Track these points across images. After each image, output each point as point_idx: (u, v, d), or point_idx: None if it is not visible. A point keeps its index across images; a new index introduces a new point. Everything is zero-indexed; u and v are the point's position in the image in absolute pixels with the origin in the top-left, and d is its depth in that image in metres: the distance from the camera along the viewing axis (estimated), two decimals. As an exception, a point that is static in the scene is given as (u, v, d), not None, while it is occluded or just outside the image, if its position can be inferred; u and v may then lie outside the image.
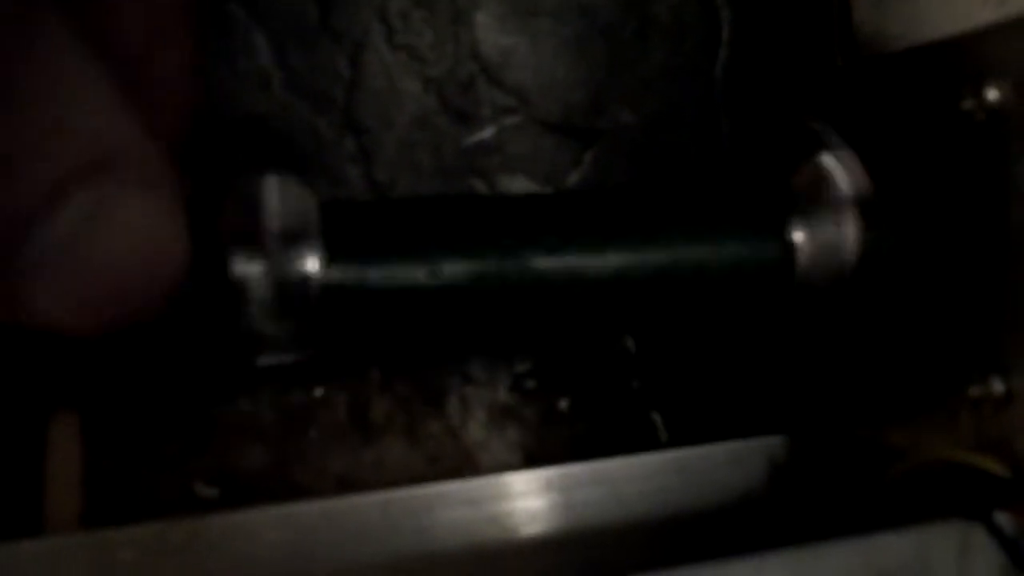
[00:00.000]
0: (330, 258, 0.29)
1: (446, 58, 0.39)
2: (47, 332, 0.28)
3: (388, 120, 0.39)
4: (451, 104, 0.39)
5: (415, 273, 0.30)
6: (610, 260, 0.33)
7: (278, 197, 0.30)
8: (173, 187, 0.19)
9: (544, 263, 0.32)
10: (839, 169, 0.37)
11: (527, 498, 0.40)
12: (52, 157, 0.17)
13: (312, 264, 0.29)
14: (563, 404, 0.42)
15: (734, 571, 0.31)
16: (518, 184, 0.40)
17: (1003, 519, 0.33)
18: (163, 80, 0.22)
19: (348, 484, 0.39)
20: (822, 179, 0.36)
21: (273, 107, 0.38)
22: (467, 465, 0.40)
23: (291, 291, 0.28)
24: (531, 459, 0.41)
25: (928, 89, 0.37)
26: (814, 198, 0.36)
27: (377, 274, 0.29)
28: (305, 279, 0.28)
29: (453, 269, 0.31)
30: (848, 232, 0.36)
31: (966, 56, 0.34)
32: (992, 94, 0.33)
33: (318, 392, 0.39)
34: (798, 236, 0.34)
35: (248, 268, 0.28)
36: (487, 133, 0.40)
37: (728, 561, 0.31)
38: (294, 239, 0.28)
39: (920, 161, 0.37)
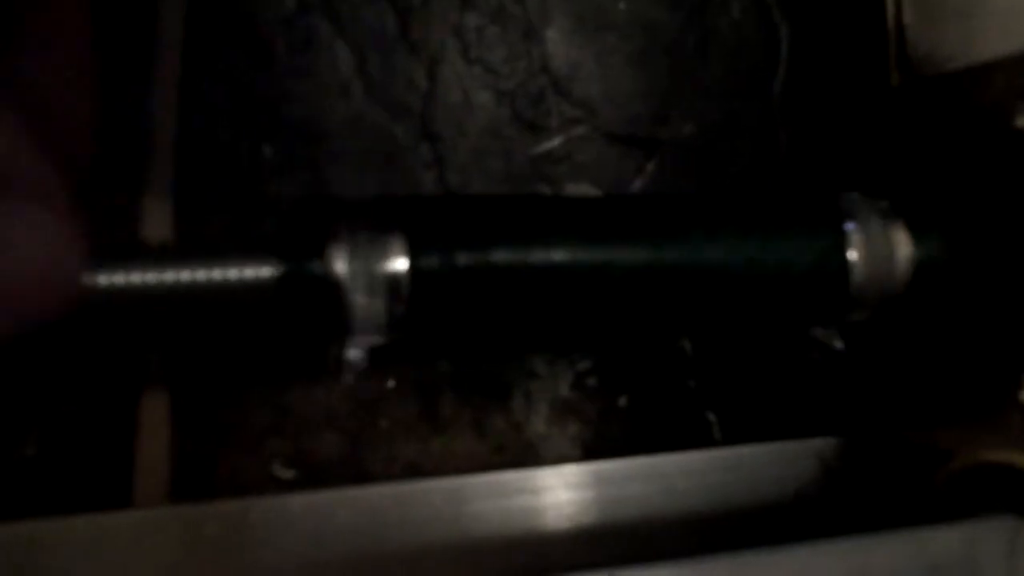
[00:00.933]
0: (414, 250, 0.31)
1: (518, 72, 0.41)
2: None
3: (462, 129, 0.41)
4: (521, 115, 0.42)
5: (497, 257, 0.32)
6: (670, 255, 0.34)
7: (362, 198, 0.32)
8: (67, 205, 0.20)
9: (615, 255, 0.34)
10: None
11: (585, 489, 0.42)
12: None
13: (399, 254, 0.31)
14: (622, 401, 0.43)
15: (788, 558, 0.32)
16: (583, 191, 0.42)
17: (1050, 518, 0.34)
18: (65, 114, 0.23)
19: (416, 472, 0.41)
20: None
21: (354, 115, 0.40)
22: (530, 456, 0.42)
23: (382, 281, 0.30)
24: (590, 453, 0.43)
25: (982, 108, 0.38)
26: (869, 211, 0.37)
27: (461, 261, 0.31)
28: (394, 270, 0.31)
29: (531, 255, 0.33)
30: (900, 245, 0.37)
31: (1018, 75, 0.36)
32: (1044, 110, 0.34)
33: (391, 384, 0.41)
34: (852, 253, 0.36)
35: (341, 262, 0.30)
36: (555, 142, 0.42)
37: (783, 548, 0.32)
38: (383, 231, 0.31)
39: (972, 177, 0.38)
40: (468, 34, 0.41)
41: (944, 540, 0.34)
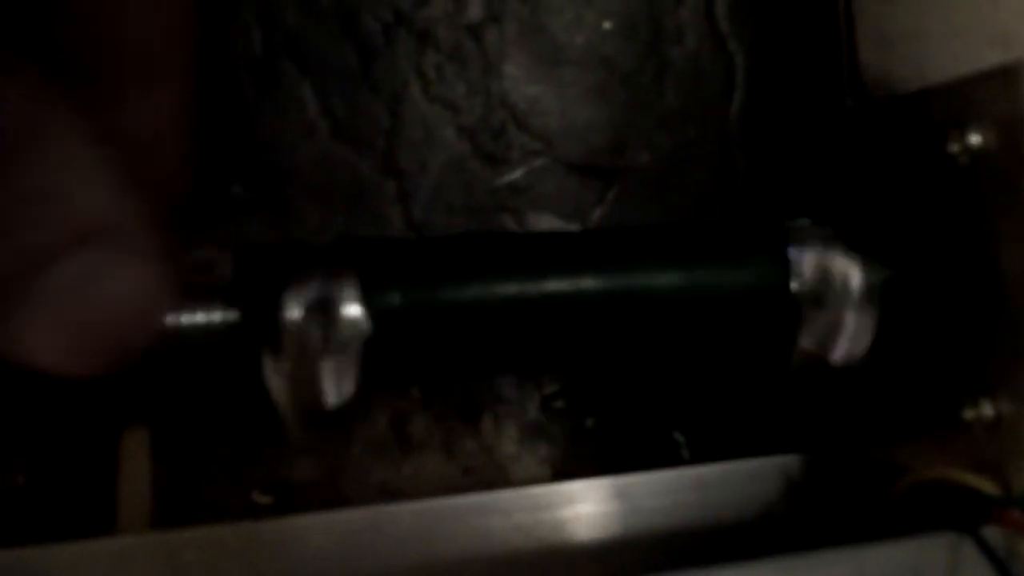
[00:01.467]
0: (367, 291, 0.33)
1: (477, 107, 0.43)
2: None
3: (424, 164, 0.43)
4: (482, 148, 0.43)
5: (449, 295, 0.33)
6: (622, 284, 0.36)
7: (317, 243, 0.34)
8: (160, 259, 0.21)
9: (559, 286, 0.36)
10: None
11: (554, 510, 0.43)
12: (48, 222, 0.20)
13: (352, 299, 0.32)
14: (590, 422, 0.45)
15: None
16: (545, 221, 0.43)
17: (992, 533, 0.35)
18: (160, 166, 0.24)
19: (389, 494, 0.43)
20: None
21: (320, 153, 0.42)
22: (500, 478, 0.44)
23: (337, 326, 0.32)
24: (559, 473, 0.44)
25: (921, 132, 0.40)
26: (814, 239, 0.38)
27: (416, 300, 0.33)
28: (348, 314, 0.32)
29: (481, 291, 0.34)
30: (853, 277, 0.38)
31: (953, 101, 0.37)
32: (975, 139, 0.35)
33: (361, 409, 0.42)
34: (794, 285, 0.37)
35: (295, 309, 0.32)
36: (516, 174, 0.43)
37: (723, 567, 0.34)
38: (334, 276, 0.32)
39: (915, 201, 0.39)
40: (429, 72, 0.43)
41: (887, 557, 0.35)
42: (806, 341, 0.38)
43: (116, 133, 0.22)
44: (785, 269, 0.37)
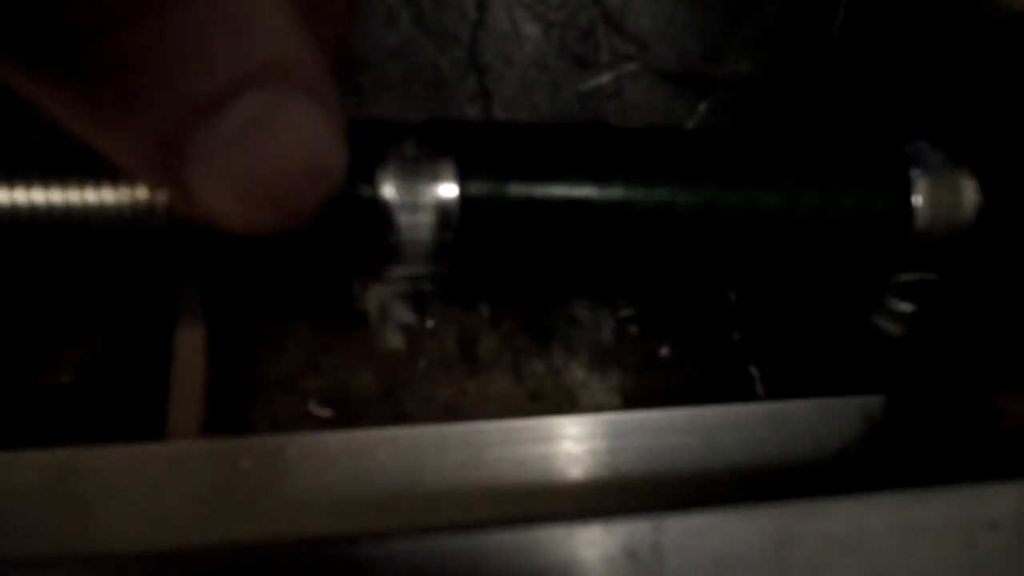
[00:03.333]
0: (464, 175, 0.30)
1: (568, 4, 0.40)
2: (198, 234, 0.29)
3: (509, 61, 0.40)
4: (571, 49, 0.40)
5: (548, 190, 0.31)
6: (728, 199, 0.33)
7: (411, 123, 0.31)
8: (338, 100, 0.20)
9: (667, 194, 0.33)
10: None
11: (623, 438, 0.41)
12: (231, 56, 0.18)
13: (448, 181, 0.30)
14: (664, 351, 0.42)
15: (840, 508, 0.31)
16: (633, 130, 0.41)
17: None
18: (330, 5, 0.23)
19: (453, 414, 0.40)
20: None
21: (400, 43, 0.39)
22: (568, 404, 0.41)
23: (431, 207, 0.29)
24: (630, 402, 0.42)
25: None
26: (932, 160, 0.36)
27: (512, 190, 0.30)
28: (444, 196, 0.29)
29: (583, 190, 0.32)
30: (967, 193, 0.36)
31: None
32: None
33: (429, 324, 0.40)
34: (917, 199, 0.34)
35: (389, 187, 0.29)
36: (604, 79, 0.41)
37: (834, 499, 0.31)
38: (433, 157, 0.30)
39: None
40: (519, -37, 0.40)
41: (1001, 497, 0.33)
42: (919, 263, 0.36)
43: None
44: (907, 188, 0.34)
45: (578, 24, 0.40)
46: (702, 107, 0.41)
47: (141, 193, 0.28)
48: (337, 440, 0.37)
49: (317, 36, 0.19)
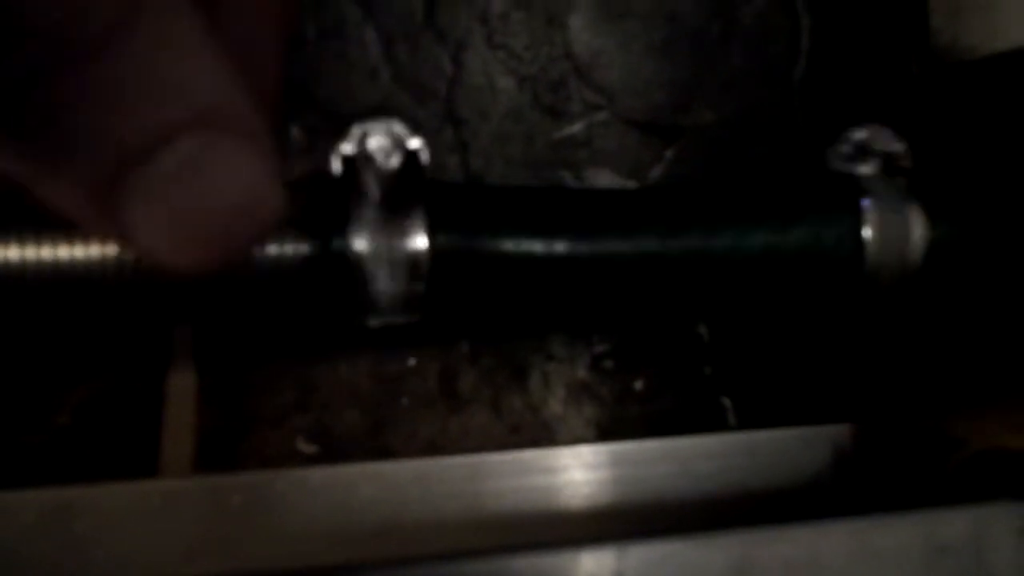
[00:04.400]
0: (435, 229, 0.32)
1: (540, 58, 0.42)
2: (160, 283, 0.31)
3: (485, 113, 0.42)
4: (543, 100, 0.42)
5: (515, 244, 0.33)
6: (684, 243, 0.35)
7: (384, 178, 0.33)
8: (270, 146, 0.20)
9: (623, 246, 0.35)
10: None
11: (601, 469, 0.43)
12: (165, 102, 0.19)
13: (420, 234, 0.32)
14: (638, 385, 0.44)
15: (796, 535, 0.33)
16: (604, 176, 0.43)
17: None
18: (263, 55, 0.24)
19: (435, 449, 0.42)
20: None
21: (380, 98, 0.41)
22: (545, 437, 0.43)
23: (403, 259, 0.31)
24: (605, 435, 0.44)
25: (1002, 96, 0.39)
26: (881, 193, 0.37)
27: (481, 243, 0.32)
28: (415, 248, 0.31)
29: (544, 245, 0.34)
30: (916, 231, 0.37)
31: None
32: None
33: (411, 362, 0.42)
34: (867, 231, 0.36)
35: (362, 240, 0.31)
36: (576, 128, 0.43)
37: (791, 526, 0.33)
38: (404, 211, 0.32)
39: (988, 162, 0.39)
40: (493, 20, 0.42)
41: (952, 522, 0.34)
42: (871, 295, 0.38)
43: (221, 28, 0.22)
44: (857, 220, 0.36)
45: (550, 77, 0.42)
46: (669, 154, 0.43)
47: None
48: (323, 476, 0.39)
49: (251, 83, 0.20)
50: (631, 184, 0.43)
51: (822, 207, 0.36)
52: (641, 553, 0.31)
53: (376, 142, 0.34)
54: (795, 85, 0.45)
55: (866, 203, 0.36)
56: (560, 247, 0.35)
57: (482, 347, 0.43)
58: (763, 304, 0.40)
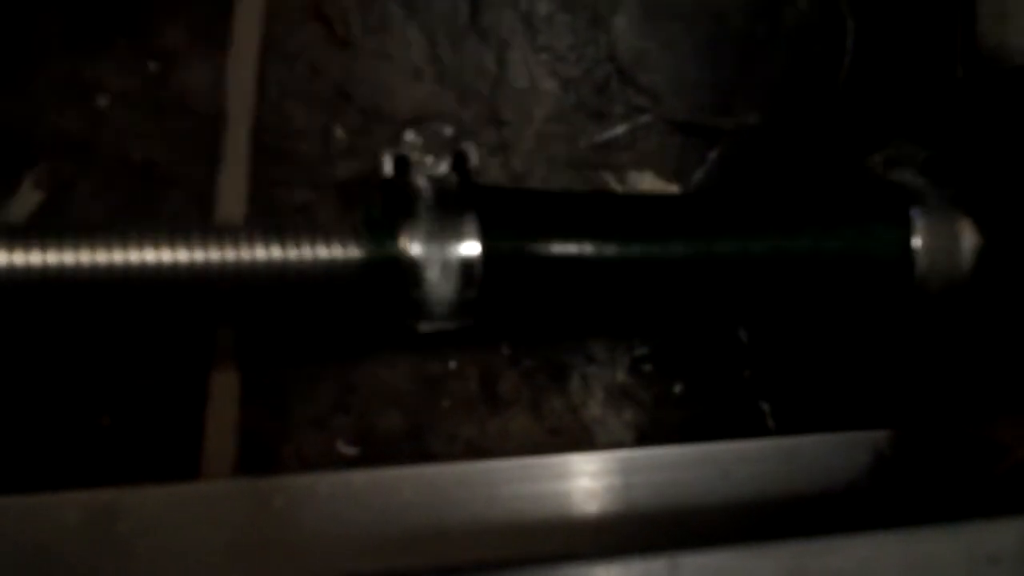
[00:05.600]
0: (488, 234, 0.32)
1: (584, 60, 0.42)
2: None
3: (528, 115, 0.42)
4: (586, 102, 0.42)
5: (566, 248, 0.33)
6: (733, 246, 0.35)
7: (435, 181, 0.33)
8: None
9: (672, 249, 0.35)
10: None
11: (640, 474, 0.42)
12: None
13: (472, 239, 0.32)
14: (678, 388, 0.44)
15: (848, 547, 0.33)
16: (647, 179, 0.42)
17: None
18: None
19: (475, 451, 0.42)
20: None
21: (424, 98, 0.41)
22: (585, 440, 0.43)
23: (456, 264, 0.31)
24: (644, 438, 0.44)
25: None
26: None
27: (533, 248, 0.32)
28: (468, 254, 0.31)
29: (594, 248, 0.34)
30: (965, 240, 0.37)
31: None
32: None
33: (452, 364, 0.42)
34: (916, 240, 0.36)
35: (416, 245, 0.31)
36: (619, 130, 0.42)
37: (842, 537, 0.33)
38: (456, 216, 0.31)
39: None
40: (537, 21, 0.41)
41: (1002, 532, 0.34)
42: (920, 303, 0.37)
43: None
44: (906, 228, 0.36)
45: (594, 79, 0.42)
46: (712, 156, 0.43)
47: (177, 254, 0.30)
48: (364, 479, 0.39)
49: None
50: (674, 187, 0.43)
51: (872, 215, 0.36)
52: (695, 563, 0.31)
53: (425, 145, 0.34)
54: (840, 87, 0.44)
55: (915, 212, 0.36)
56: (610, 250, 0.34)
57: (523, 349, 0.42)
58: (810, 309, 0.39)
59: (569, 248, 0.33)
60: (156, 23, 0.38)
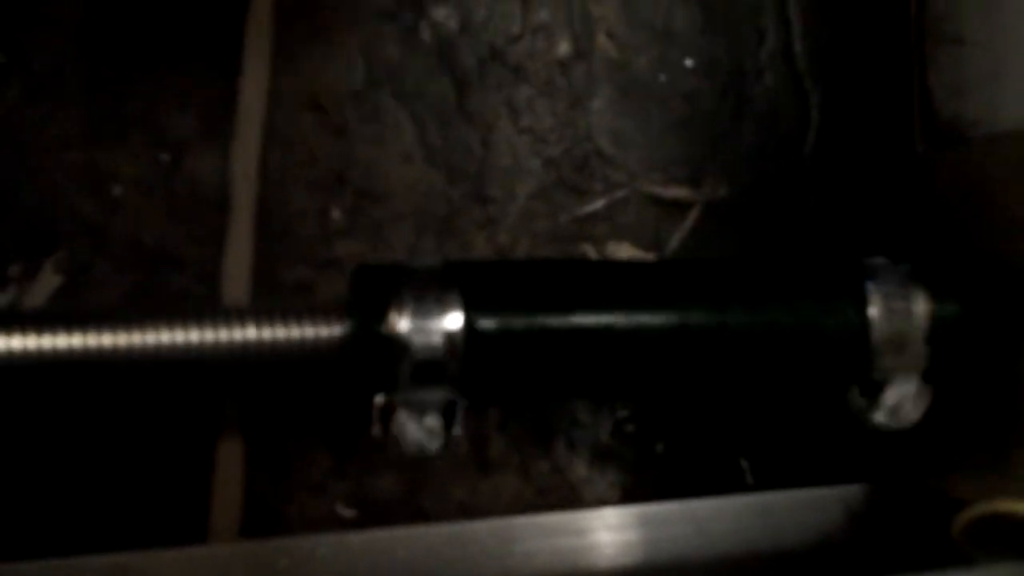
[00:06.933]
0: (470, 309, 0.35)
1: (564, 139, 0.45)
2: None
3: (512, 192, 0.44)
4: (567, 179, 0.45)
5: (546, 320, 0.35)
6: (701, 318, 0.37)
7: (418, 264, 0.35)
8: None
9: (650, 319, 0.37)
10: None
11: (623, 531, 0.45)
12: None
13: (455, 316, 0.34)
14: (659, 447, 0.46)
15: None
16: (624, 250, 0.45)
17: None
18: None
19: (467, 511, 0.44)
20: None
21: (414, 179, 0.43)
22: (572, 499, 0.45)
23: (439, 338, 0.34)
24: (628, 496, 0.46)
25: (997, 176, 0.41)
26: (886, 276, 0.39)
27: (514, 322, 0.35)
28: (451, 328, 0.34)
29: (576, 320, 0.36)
30: (919, 308, 0.39)
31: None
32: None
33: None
34: (872, 311, 0.38)
35: (403, 322, 0.34)
36: (598, 204, 0.45)
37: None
38: (440, 296, 0.34)
39: (986, 243, 0.41)
40: (519, 105, 0.44)
41: (959, 587, 0.36)
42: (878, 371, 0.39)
43: None
44: (862, 300, 0.38)
45: (573, 157, 0.45)
46: (687, 226, 0.46)
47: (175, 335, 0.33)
48: (362, 540, 0.41)
49: None
50: (651, 256, 0.45)
51: (830, 290, 0.39)
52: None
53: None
54: (805, 158, 0.47)
55: (870, 285, 0.38)
56: (589, 320, 0.37)
57: (510, 414, 0.45)
58: (777, 376, 0.42)
59: (549, 320, 0.35)
60: (166, 115, 0.41)
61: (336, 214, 0.42)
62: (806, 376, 0.42)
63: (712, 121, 0.47)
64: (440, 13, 0.44)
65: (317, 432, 0.43)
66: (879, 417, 0.39)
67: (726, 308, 0.38)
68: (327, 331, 0.34)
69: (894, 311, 0.39)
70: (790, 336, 0.38)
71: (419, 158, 0.44)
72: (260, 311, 0.35)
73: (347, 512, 0.43)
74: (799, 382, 0.44)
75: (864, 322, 0.38)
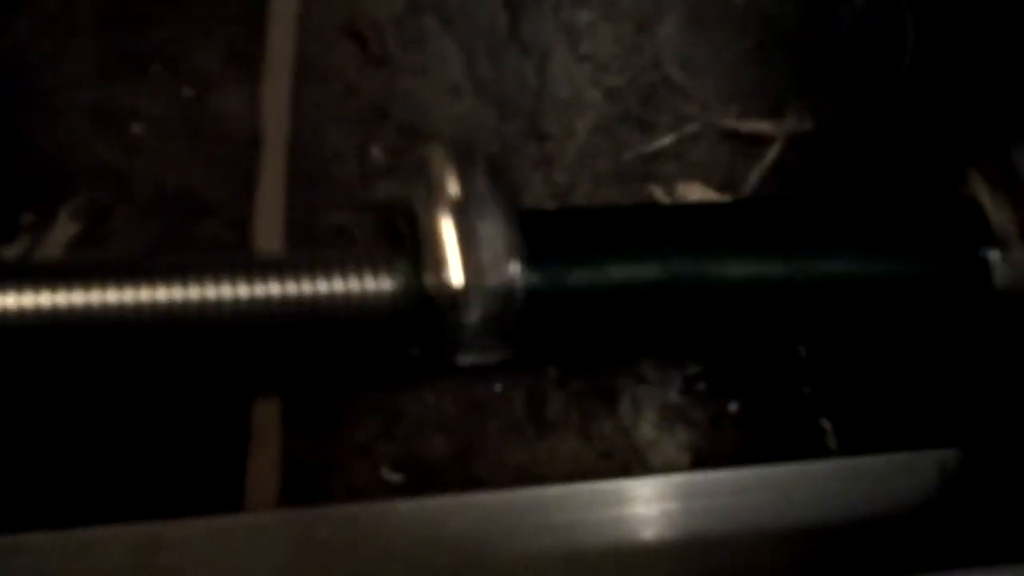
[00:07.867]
0: (528, 263, 0.31)
1: (629, 68, 0.41)
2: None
3: (571, 128, 0.40)
4: (632, 112, 0.41)
5: (609, 275, 0.31)
6: (799, 267, 0.33)
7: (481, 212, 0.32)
8: None
9: (731, 268, 0.33)
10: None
11: (697, 499, 0.41)
12: None
13: (515, 271, 0.30)
14: (733, 407, 0.42)
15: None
16: (696, 191, 0.41)
17: None
18: None
19: (523, 476, 0.41)
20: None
21: (463, 114, 0.40)
22: (637, 463, 0.42)
23: (496, 298, 0.30)
24: (700, 460, 0.42)
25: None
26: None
27: (575, 278, 0.31)
28: (509, 286, 0.30)
29: (645, 271, 0.32)
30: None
31: None
32: None
33: (498, 387, 0.41)
34: (994, 256, 0.34)
35: (457, 277, 0.30)
36: (666, 140, 0.41)
37: None
38: (498, 249, 0.30)
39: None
40: (579, 30, 0.40)
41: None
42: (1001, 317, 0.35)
43: None
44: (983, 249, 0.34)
45: (639, 88, 0.41)
46: (765, 163, 0.41)
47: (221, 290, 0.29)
48: (410, 508, 0.38)
49: None
50: (725, 198, 0.41)
51: (948, 230, 0.34)
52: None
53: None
54: (898, 88, 0.42)
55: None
56: (660, 271, 0.33)
57: (570, 371, 0.41)
58: (885, 328, 0.38)
59: (614, 273, 0.32)
60: (189, 48, 0.38)
61: (376, 153, 0.39)
62: (920, 327, 0.38)
63: (794, 47, 0.42)
64: (490, -72, 0.40)
65: (361, 391, 0.39)
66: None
67: (819, 253, 0.34)
68: (370, 286, 0.31)
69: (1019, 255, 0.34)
70: (904, 283, 0.34)
71: (467, 90, 0.40)
72: (300, 262, 0.31)
73: (393, 477, 0.40)
74: (911, 334, 0.39)
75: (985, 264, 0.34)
